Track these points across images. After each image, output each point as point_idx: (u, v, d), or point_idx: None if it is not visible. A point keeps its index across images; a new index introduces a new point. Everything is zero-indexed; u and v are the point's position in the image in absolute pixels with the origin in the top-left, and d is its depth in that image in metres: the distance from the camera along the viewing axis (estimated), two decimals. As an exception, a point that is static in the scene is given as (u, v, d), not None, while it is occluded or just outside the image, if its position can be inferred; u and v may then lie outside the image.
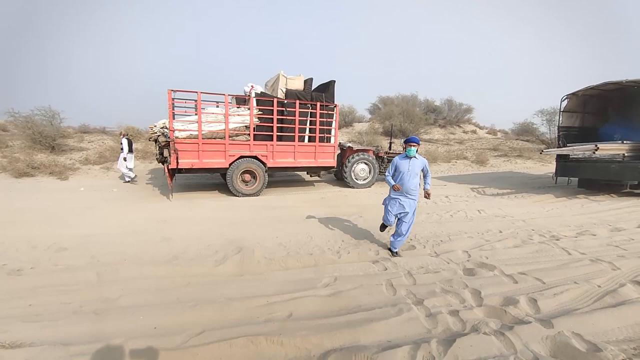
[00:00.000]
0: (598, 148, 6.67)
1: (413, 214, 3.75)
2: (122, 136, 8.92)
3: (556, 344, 2.08)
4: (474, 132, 21.02)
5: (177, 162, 6.64)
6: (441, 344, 2.07)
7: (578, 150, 7.32)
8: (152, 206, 6.27)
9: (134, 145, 9.37)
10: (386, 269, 3.32)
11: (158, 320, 2.36)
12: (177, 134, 6.67)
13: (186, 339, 2.12)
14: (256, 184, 7.46)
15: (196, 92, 6.71)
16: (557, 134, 9.16)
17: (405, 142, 3.67)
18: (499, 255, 3.70)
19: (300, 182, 9.94)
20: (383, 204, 3.95)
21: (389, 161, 10.05)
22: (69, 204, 6.32)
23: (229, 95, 7.04)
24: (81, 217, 5.27)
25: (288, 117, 7.62)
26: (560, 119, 8.85)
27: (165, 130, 7.07)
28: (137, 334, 2.19)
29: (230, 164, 7.20)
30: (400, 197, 3.68)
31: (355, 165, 8.78)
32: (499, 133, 21.63)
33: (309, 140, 8.06)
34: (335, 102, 8.25)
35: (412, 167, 3.59)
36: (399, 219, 3.76)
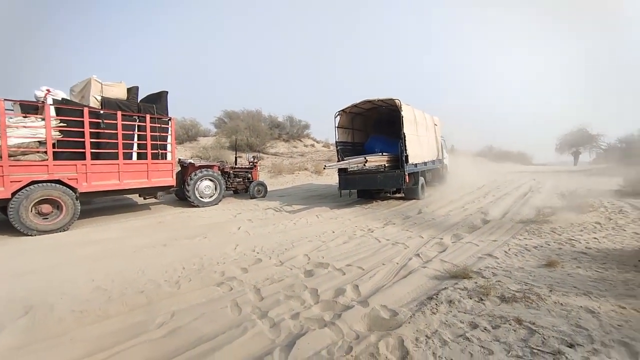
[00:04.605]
0: (367, 160, 7.20)
1: None
2: None
3: (371, 318, 2.56)
4: (313, 145, 23.80)
5: None
6: (283, 350, 2.16)
7: (353, 163, 7.45)
8: None
9: None
10: (232, 289, 3.21)
11: None
12: None
13: None
14: (62, 215, 5.75)
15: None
16: (336, 149, 9.26)
17: None
18: (332, 253, 4.26)
19: (132, 207, 8.40)
20: None
21: (236, 176, 9.91)
22: None
23: (5, 99, 5.17)
24: None
25: (107, 131, 6.32)
26: (337, 134, 9.03)
27: None
28: None
29: (13, 194, 5.27)
30: None
31: (199, 183, 8.20)
32: (331, 146, 25.33)
33: (139, 158, 6.95)
34: (169, 115, 7.48)
35: None
36: None
